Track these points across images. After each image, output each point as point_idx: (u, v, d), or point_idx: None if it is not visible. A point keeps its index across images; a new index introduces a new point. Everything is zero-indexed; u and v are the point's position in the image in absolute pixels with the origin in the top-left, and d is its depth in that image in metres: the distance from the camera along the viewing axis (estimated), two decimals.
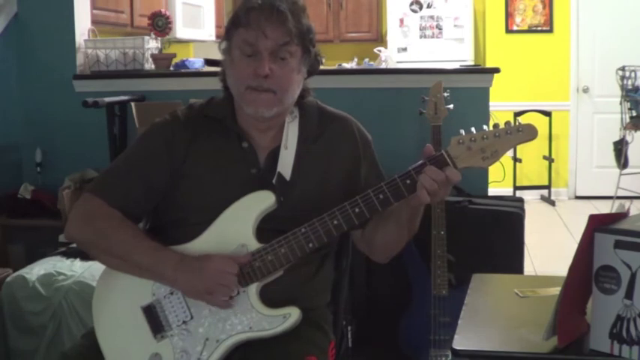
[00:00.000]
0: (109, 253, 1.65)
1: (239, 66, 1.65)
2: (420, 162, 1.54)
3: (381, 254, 1.75)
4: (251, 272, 1.57)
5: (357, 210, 1.55)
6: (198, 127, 1.71)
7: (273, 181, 1.65)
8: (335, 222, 1.56)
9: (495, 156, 1.53)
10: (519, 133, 1.52)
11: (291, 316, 1.57)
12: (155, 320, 1.59)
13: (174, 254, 1.60)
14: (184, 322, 1.58)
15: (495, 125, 1.54)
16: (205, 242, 1.61)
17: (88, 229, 1.67)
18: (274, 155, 1.69)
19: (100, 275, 1.70)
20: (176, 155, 1.68)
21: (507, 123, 1.54)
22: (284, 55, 1.63)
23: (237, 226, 1.61)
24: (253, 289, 1.58)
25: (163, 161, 1.68)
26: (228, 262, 1.55)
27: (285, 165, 1.67)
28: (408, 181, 1.54)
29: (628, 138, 5.83)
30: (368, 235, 1.73)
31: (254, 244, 1.59)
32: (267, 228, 1.61)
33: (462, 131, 1.54)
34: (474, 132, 1.53)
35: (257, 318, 1.57)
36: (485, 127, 1.54)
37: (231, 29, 1.67)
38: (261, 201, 1.61)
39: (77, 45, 3.69)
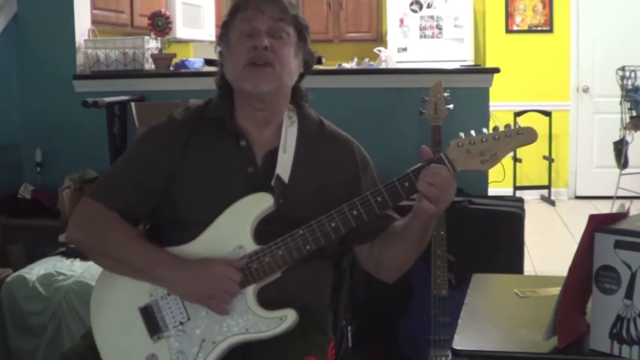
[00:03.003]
0: (106, 256, 1.65)
1: (237, 47, 1.67)
2: (419, 165, 1.54)
3: (389, 273, 1.74)
4: (248, 274, 1.57)
5: (355, 212, 1.55)
6: (196, 128, 1.71)
7: (272, 183, 1.65)
8: (333, 224, 1.56)
9: (494, 159, 1.53)
10: (519, 136, 1.52)
11: (287, 318, 1.56)
12: (152, 321, 1.59)
13: (169, 256, 1.60)
14: (181, 323, 1.58)
15: (495, 128, 1.53)
16: (203, 243, 1.61)
17: (86, 232, 1.68)
18: (272, 155, 1.69)
19: (98, 276, 1.70)
20: (173, 156, 1.68)
21: (507, 126, 1.53)
22: (281, 34, 1.67)
23: (235, 227, 1.61)
24: (250, 290, 1.57)
25: (160, 163, 1.68)
26: (230, 268, 1.55)
27: (284, 167, 1.67)
28: (406, 184, 1.53)
29: (628, 138, 5.83)
30: (377, 254, 1.72)
31: (252, 246, 1.59)
32: (265, 230, 1.60)
33: (462, 134, 1.54)
34: (474, 135, 1.53)
35: (253, 320, 1.57)
36: (484, 130, 1.54)
37: (228, 22, 1.71)
38: (260, 203, 1.61)
39: (77, 45, 3.69)
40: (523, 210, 3.17)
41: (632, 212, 1.50)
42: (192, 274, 1.56)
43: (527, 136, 1.52)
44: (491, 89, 3.51)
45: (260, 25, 1.65)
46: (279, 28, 1.66)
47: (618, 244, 1.35)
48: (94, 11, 4.02)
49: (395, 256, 1.69)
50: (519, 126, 1.53)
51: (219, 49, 1.74)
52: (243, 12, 1.67)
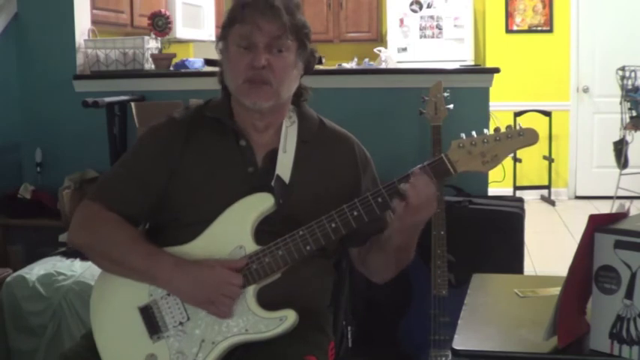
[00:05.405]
0: (107, 258, 1.65)
1: (235, 60, 1.65)
2: (420, 165, 1.55)
3: (375, 276, 1.77)
4: (248, 274, 1.57)
5: (355, 213, 1.55)
6: (195, 127, 1.71)
7: (272, 183, 1.64)
8: (333, 225, 1.56)
9: (495, 160, 1.53)
10: (520, 137, 1.52)
11: (287, 318, 1.56)
12: (151, 321, 1.59)
13: (170, 258, 1.59)
14: (181, 323, 1.58)
15: (496, 129, 1.53)
16: (203, 243, 1.61)
17: (86, 233, 1.68)
18: (272, 156, 1.69)
19: (98, 276, 1.70)
20: (172, 156, 1.68)
21: (508, 127, 1.53)
22: (280, 48, 1.64)
23: (235, 227, 1.61)
24: (250, 291, 1.57)
25: (160, 163, 1.68)
26: (231, 272, 1.55)
27: (284, 168, 1.67)
28: (412, 180, 1.53)
29: (628, 138, 5.83)
30: (363, 257, 1.74)
31: (252, 246, 1.59)
32: (265, 230, 1.61)
33: (463, 135, 1.54)
34: (475, 135, 1.53)
35: (253, 320, 1.56)
36: (485, 130, 1.54)
37: (227, 27, 1.68)
38: (260, 203, 1.61)
39: (77, 45, 3.69)
40: (523, 210, 3.17)
41: (632, 212, 1.50)
42: (192, 279, 1.56)
43: (529, 137, 1.52)
44: (491, 89, 3.51)
45: (258, 42, 1.63)
46: (278, 43, 1.64)
47: (618, 244, 1.35)
48: (94, 11, 4.02)
49: (378, 264, 1.72)
50: (520, 127, 1.53)
51: (220, 45, 1.73)
52: (240, 24, 1.64)
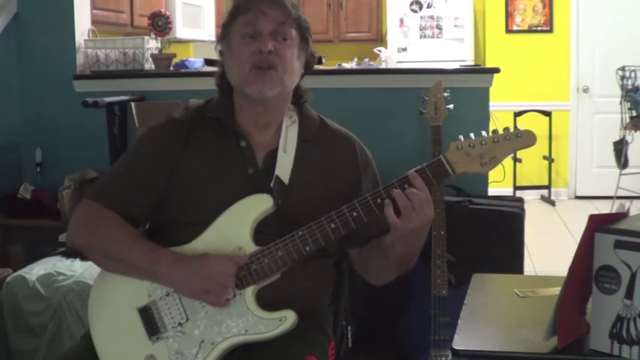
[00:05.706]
0: (106, 255, 1.65)
1: (240, 49, 1.66)
2: (419, 166, 1.55)
3: (374, 280, 1.77)
4: (247, 275, 1.57)
5: (354, 214, 1.55)
6: (195, 127, 1.71)
7: (271, 184, 1.64)
8: (332, 225, 1.56)
9: (494, 162, 1.54)
10: (518, 139, 1.53)
11: (286, 319, 1.56)
12: (150, 322, 1.59)
13: (169, 253, 1.60)
14: (180, 323, 1.58)
15: (494, 131, 1.55)
16: (203, 244, 1.61)
17: (85, 232, 1.68)
18: (272, 156, 1.69)
19: (96, 277, 1.69)
20: (172, 156, 1.68)
21: (506, 129, 1.55)
22: (284, 36, 1.66)
23: (234, 228, 1.61)
24: (249, 291, 1.57)
25: (159, 163, 1.68)
26: (226, 262, 1.55)
27: (284, 168, 1.67)
28: (406, 186, 1.54)
29: (628, 138, 5.84)
30: (364, 259, 1.75)
31: (251, 247, 1.59)
32: (264, 231, 1.61)
33: (461, 137, 1.55)
34: (473, 137, 1.54)
35: (253, 321, 1.56)
36: (483, 132, 1.55)
37: (229, 23, 1.70)
38: (259, 204, 1.61)
39: (77, 45, 3.69)
40: (523, 210, 3.17)
41: (632, 212, 1.51)
42: (190, 270, 1.56)
43: (526, 139, 1.54)
44: (491, 89, 3.51)
45: (263, 28, 1.64)
46: (282, 30, 1.66)
47: (618, 244, 1.35)
48: (94, 11, 4.02)
49: (379, 269, 1.72)
50: (518, 129, 1.54)
51: (219, 48, 1.74)
52: (245, 14, 1.66)
